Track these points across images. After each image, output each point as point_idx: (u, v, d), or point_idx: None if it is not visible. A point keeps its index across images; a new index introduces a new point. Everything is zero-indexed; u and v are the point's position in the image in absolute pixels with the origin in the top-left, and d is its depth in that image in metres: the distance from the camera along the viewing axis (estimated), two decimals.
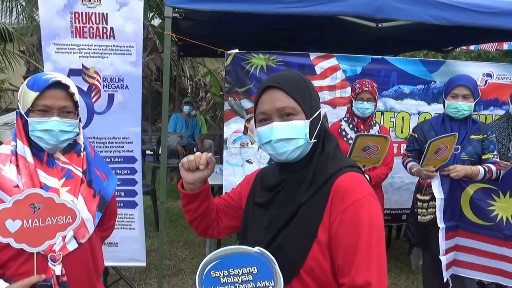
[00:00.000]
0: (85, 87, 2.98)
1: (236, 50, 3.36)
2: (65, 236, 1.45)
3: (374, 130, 3.09)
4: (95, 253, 1.61)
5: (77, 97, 1.54)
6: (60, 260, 1.44)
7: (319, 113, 1.20)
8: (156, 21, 9.06)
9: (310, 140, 1.15)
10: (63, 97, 1.49)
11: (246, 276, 1.05)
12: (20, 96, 1.50)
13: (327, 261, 1.09)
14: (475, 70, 3.68)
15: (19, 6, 7.27)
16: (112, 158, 3.02)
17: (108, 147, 3.02)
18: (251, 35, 5.26)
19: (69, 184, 1.51)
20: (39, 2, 2.96)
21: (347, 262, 1.06)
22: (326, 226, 1.09)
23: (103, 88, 3.00)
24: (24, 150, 1.48)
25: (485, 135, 2.79)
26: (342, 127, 3.11)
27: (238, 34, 5.17)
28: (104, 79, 3.01)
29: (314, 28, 4.69)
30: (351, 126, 3.09)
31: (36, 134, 1.47)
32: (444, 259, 2.61)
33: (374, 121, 3.15)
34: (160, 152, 6.00)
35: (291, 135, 1.13)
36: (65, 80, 1.50)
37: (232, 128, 3.47)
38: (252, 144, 3.47)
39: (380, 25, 4.49)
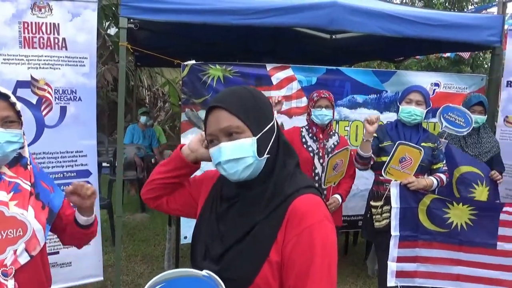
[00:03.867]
0: (34, 100, 2.88)
1: (193, 61, 3.36)
2: (17, 249, 1.41)
3: (333, 139, 3.16)
4: (46, 265, 1.58)
5: (19, 106, 1.50)
6: (12, 275, 1.39)
7: (272, 126, 1.16)
8: (113, 30, 8.89)
9: (260, 156, 1.12)
10: (4, 107, 1.45)
11: None
12: None
13: (276, 281, 1.08)
14: (424, 80, 3.85)
15: None
16: (65, 173, 2.93)
17: (60, 161, 2.93)
18: (208, 46, 5.27)
19: (17, 198, 1.47)
20: None
21: (298, 286, 1.05)
22: (279, 247, 1.08)
23: (55, 100, 2.92)
24: None
25: (435, 144, 2.93)
26: (303, 134, 3.16)
27: (195, 45, 5.17)
28: (55, 91, 2.92)
29: (271, 39, 4.77)
30: (310, 135, 3.15)
31: None
32: (394, 265, 2.71)
33: (333, 131, 3.22)
34: (116, 164, 5.88)
35: (239, 154, 1.10)
36: (4, 90, 1.46)
37: (189, 139, 3.42)
38: None
39: (334, 36, 4.61)
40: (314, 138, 3.13)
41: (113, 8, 7.49)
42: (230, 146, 1.11)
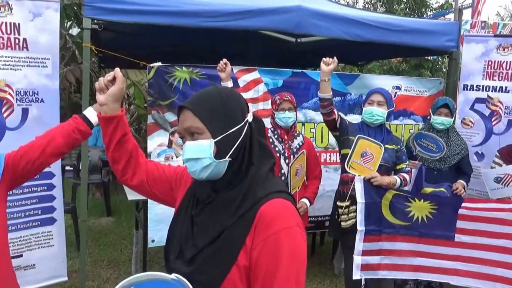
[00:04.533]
0: None
1: (159, 63, 3.34)
2: None
3: (298, 141, 3.22)
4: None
5: None
6: None
7: (239, 130, 1.16)
8: (75, 30, 8.67)
9: (219, 159, 1.13)
10: None
11: None
12: None
13: (244, 285, 1.10)
14: (386, 83, 3.98)
15: None
16: None
17: None
18: (174, 47, 5.24)
19: None
20: None
21: None
22: (247, 251, 1.09)
23: (16, 102, 2.85)
24: None
25: (398, 146, 3.04)
26: (269, 135, 3.20)
27: (161, 46, 5.13)
28: (17, 92, 2.85)
29: (237, 42, 4.80)
30: (276, 136, 3.19)
31: None
32: (359, 259, 2.79)
33: (297, 132, 3.27)
34: (80, 168, 5.75)
35: (197, 154, 1.13)
36: None
37: (156, 141, 3.43)
38: (177, 157, 3.45)
39: (299, 40, 4.69)
40: (280, 139, 3.18)
41: (75, 8, 7.30)
42: (191, 146, 1.15)
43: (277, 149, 3.14)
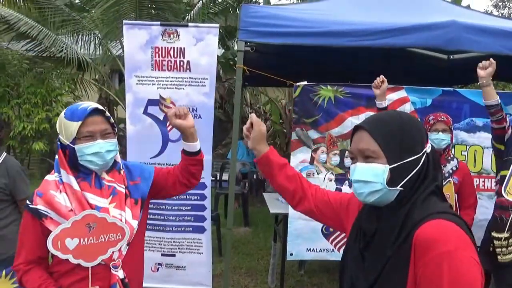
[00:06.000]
0: (161, 116, 3.16)
1: (305, 82, 3.43)
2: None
3: (452, 165, 3.00)
4: (142, 243, 1.83)
5: (112, 119, 1.72)
6: (120, 266, 1.64)
7: (416, 160, 1.13)
8: (219, 51, 9.42)
9: (392, 186, 1.11)
10: (102, 121, 1.67)
11: None
12: (61, 129, 1.66)
13: None
14: None
15: (96, 39, 7.81)
16: None
17: None
18: (315, 65, 5.33)
19: (115, 200, 1.69)
20: (124, 38, 3.21)
21: None
22: (412, 277, 1.05)
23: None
24: (70, 179, 1.63)
25: None
26: None
27: (301, 65, 5.25)
28: None
29: (381, 59, 4.69)
30: None
31: (86, 158, 1.63)
32: None
33: (451, 155, 3.05)
34: (223, 179, 6.19)
35: (368, 178, 1.12)
36: (100, 106, 1.68)
37: (298, 158, 3.51)
38: (318, 174, 3.48)
39: (452, 57, 4.41)
40: None
41: (220, 31, 7.94)
42: (363, 168, 1.15)
43: None
